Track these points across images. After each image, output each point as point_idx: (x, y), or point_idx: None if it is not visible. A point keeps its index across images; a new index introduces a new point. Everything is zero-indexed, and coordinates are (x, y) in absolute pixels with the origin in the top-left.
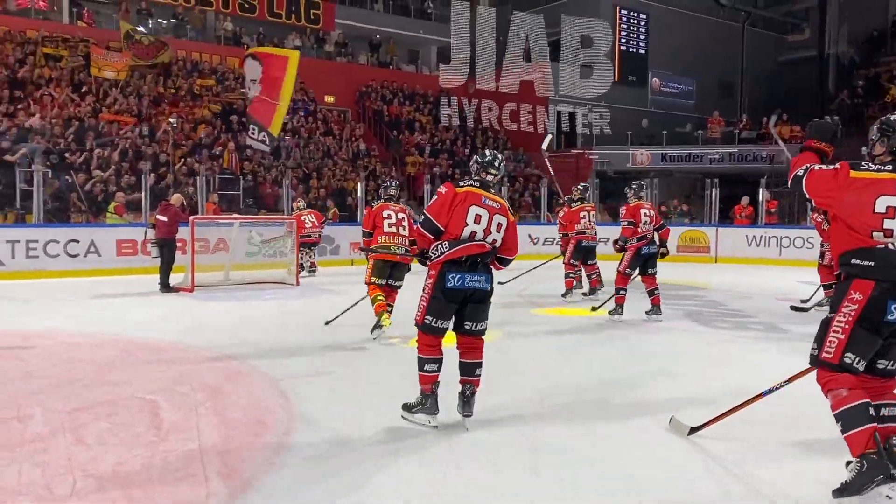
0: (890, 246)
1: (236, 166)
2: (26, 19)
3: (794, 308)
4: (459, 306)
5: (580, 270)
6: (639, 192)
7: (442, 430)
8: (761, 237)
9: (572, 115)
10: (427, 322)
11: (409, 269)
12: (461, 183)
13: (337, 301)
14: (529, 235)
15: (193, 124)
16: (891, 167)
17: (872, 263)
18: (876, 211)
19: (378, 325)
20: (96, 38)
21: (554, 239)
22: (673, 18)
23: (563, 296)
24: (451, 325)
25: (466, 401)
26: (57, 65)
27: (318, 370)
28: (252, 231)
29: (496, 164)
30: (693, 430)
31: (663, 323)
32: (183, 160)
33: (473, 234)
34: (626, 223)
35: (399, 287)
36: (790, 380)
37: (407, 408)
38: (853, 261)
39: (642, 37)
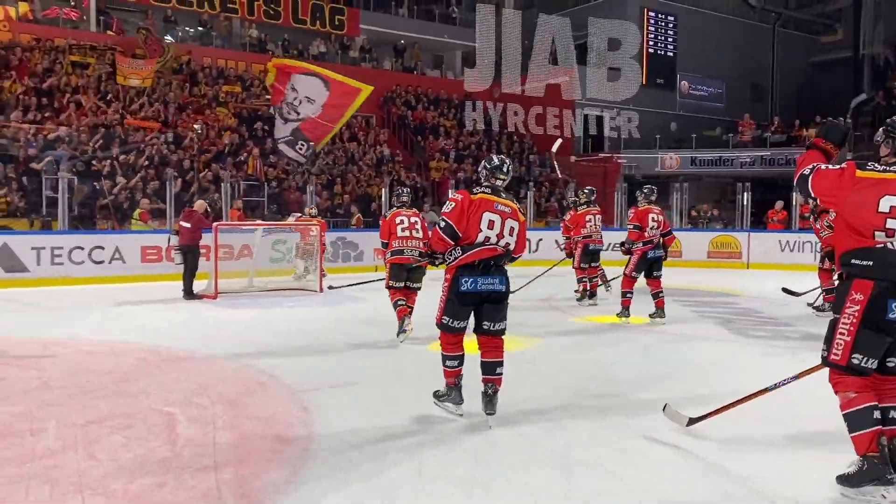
0: (890, 245)
1: (261, 172)
2: (55, 28)
3: (785, 290)
4: (477, 307)
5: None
6: (649, 195)
7: (466, 432)
8: (794, 242)
9: (600, 119)
10: (445, 322)
11: (425, 272)
12: (475, 189)
13: (360, 308)
14: (556, 241)
15: (218, 131)
16: None
17: (871, 263)
18: (879, 210)
19: (402, 330)
20: (123, 47)
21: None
22: (702, 20)
23: (579, 300)
24: (467, 324)
25: (489, 399)
26: (84, 72)
27: (339, 380)
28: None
29: (504, 168)
30: (692, 420)
31: (692, 331)
32: (208, 167)
33: (487, 238)
34: (632, 226)
35: (418, 289)
36: (798, 376)
37: (437, 395)
38: (853, 261)
39: (671, 39)
